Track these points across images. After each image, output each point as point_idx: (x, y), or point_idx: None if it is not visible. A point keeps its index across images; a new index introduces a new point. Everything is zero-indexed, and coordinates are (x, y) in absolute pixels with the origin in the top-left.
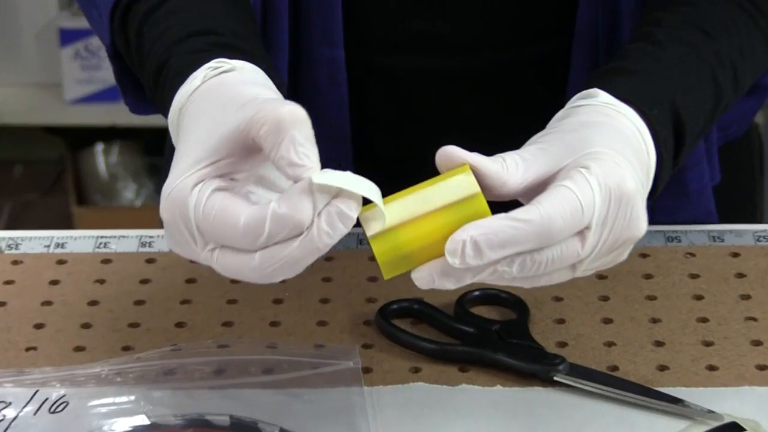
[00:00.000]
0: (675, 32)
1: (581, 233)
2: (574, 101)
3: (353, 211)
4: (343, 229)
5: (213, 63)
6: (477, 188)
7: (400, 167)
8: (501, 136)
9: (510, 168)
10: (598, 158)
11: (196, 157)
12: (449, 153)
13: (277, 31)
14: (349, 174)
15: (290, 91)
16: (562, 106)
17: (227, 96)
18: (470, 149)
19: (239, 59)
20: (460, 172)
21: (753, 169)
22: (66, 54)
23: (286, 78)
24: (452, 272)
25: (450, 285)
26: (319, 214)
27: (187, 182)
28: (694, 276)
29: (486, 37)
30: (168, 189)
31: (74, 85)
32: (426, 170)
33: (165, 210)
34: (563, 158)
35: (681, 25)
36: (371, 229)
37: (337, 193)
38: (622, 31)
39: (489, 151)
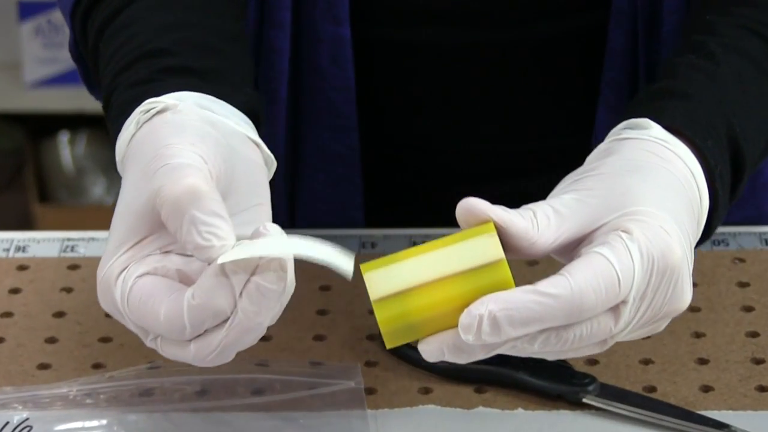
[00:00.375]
0: (731, 42)
1: (616, 308)
2: (619, 132)
3: (275, 283)
4: (272, 304)
5: (144, 105)
6: (501, 254)
7: (414, 164)
8: (530, 126)
9: (541, 225)
10: (643, 221)
11: (119, 238)
12: (471, 206)
13: (277, 8)
14: (272, 237)
15: (292, 75)
16: (596, 93)
17: (149, 155)
18: (495, 145)
19: (182, 89)
20: (483, 232)
21: None
22: (26, 30)
23: (287, 53)
24: (465, 348)
25: (461, 360)
26: (240, 294)
27: (112, 271)
28: (743, 284)
29: (512, 8)
30: (99, 276)
31: (35, 65)
32: (442, 168)
33: (100, 300)
34: (603, 214)
35: (737, 32)
36: (375, 293)
37: (256, 267)
38: (663, 5)
39: (516, 148)
